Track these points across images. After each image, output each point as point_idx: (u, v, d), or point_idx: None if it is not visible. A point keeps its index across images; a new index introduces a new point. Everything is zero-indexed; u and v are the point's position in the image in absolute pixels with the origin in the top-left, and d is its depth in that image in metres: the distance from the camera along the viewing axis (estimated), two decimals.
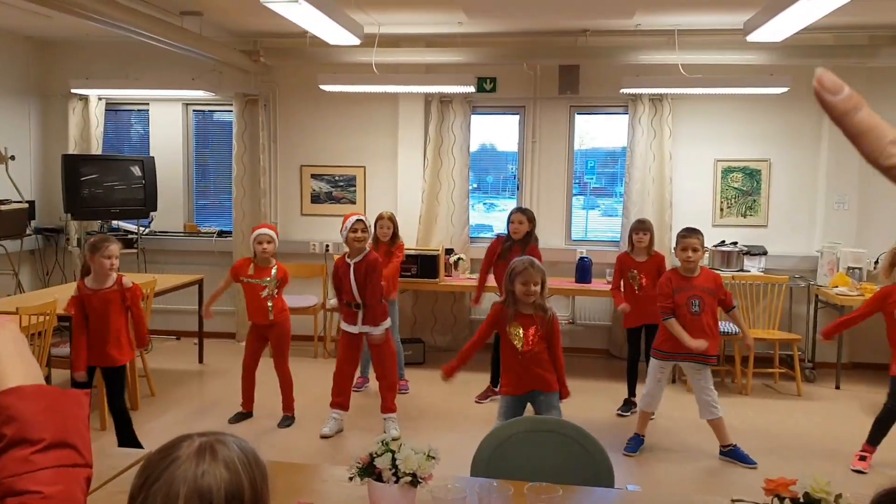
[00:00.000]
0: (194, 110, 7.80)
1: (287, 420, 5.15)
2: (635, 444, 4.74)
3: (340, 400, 4.94)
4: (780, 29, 4.62)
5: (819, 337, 4.98)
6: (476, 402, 5.70)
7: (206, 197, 8.02)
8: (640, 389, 5.54)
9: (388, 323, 4.94)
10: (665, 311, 4.56)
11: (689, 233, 4.55)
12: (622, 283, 5.64)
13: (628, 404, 5.56)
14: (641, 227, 5.57)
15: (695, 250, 4.49)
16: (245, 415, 5.21)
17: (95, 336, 4.24)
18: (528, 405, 3.88)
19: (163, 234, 7.66)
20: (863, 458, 4.51)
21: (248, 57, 6.85)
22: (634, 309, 5.51)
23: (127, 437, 4.34)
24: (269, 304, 5.06)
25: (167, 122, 7.71)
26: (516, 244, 5.59)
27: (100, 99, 7.53)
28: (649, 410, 4.77)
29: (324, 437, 4.86)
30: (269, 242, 5.06)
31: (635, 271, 5.53)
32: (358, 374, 5.72)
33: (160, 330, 7.22)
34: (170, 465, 1.09)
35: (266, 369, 5.24)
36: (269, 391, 5.26)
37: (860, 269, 6.33)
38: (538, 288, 3.68)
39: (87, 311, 4.24)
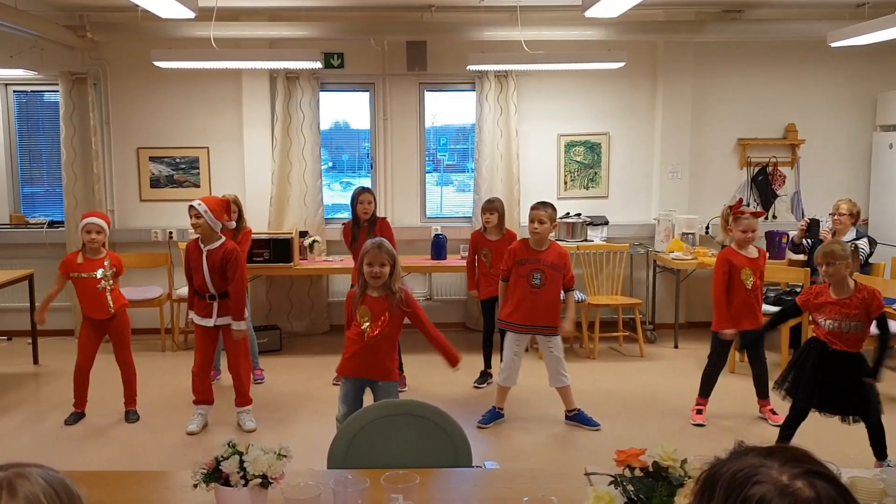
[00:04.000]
0: (15, 91, 7.13)
1: (133, 415, 4.90)
2: (490, 417, 4.81)
3: (203, 396, 4.76)
4: (616, 5, 4.78)
5: (725, 335, 4.83)
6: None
7: (35, 184, 7.38)
8: (497, 361, 5.70)
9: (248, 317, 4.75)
10: (504, 275, 4.74)
11: (539, 205, 4.66)
12: (476, 260, 5.72)
13: (484, 376, 5.68)
14: (490, 206, 5.65)
15: (541, 222, 4.58)
16: (80, 415, 4.89)
17: None
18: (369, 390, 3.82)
19: None
20: (699, 412, 4.84)
21: (74, 32, 6.34)
22: (486, 283, 5.60)
23: None
24: (108, 296, 4.75)
25: None
26: (364, 224, 5.54)
27: None
28: (507, 385, 4.81)
29: (190, 433, 4.66)
30: (98, 232, 4.71)
31: (487, 249, 5.61)
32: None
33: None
34: None
35: (103, 364, 4.93)
36: (108, 388, 4.96)
37: (693, 234, 6.76)
38: (385, 270, 3.60)
39: None
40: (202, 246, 4.60)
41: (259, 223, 6.89)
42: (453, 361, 3.84)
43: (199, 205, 4.52)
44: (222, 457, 1.80)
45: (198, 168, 7.08)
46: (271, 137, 6.92)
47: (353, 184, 7.56)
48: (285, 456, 1.83)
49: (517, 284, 4.66)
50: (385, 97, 7.08)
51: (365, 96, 7.21)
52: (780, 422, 4.32)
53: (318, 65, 6.09)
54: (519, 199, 6.97)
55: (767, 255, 5.21)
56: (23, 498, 0.98)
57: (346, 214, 7.35)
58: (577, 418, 4.79)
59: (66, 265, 4.81)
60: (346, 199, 7.52)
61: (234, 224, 5.10)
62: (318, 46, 6.28)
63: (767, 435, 4.43)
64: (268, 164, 6.94)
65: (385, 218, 5.80)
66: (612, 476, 1.82)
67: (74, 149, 6.81)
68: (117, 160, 7.06)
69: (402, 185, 7.19)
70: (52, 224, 7.06)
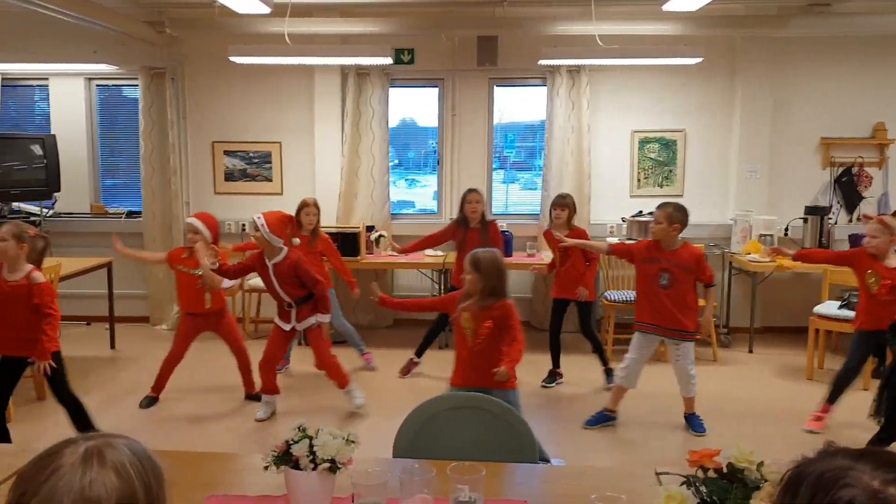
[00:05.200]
0: (98, 85, 7.39)
1: (254, 397, 5.09)
2: (598, 419, 4.68)
3: (269, 386, 4.86)
4: None
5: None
6: (399, 377, 5.65)
7: (114, 176, 7.64)
8: (564, 360, 5.62)
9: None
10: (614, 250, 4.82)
11: (659, 206, 4.56)
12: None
13: (553, 375, 5.59)
14: (560, 202, 5.56)
15: (657, 223, 4.49)
16: (154, 399, 5.07)
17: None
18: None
19: (67, 215, 7.27)
20: (818, 419, 4.63)
21: (153, 28, 6.53)
22: (558, 281, 5.53)
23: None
24: (207, 294, 4.92)
25: (69, 97, 7.29)
26: (472, 227, 5.55)
27: None
28: (625, 386, 4.66)
29: (259, 420, 4.79)
30: (194, 232, 4.81)
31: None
32: (357, 354, 5.78)
33: (68, 316, 6.83)
34: (51, 476, 0.97)
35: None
36: (184, 374, 5.08)
37: (771, 235, 6.53)
38: (472, 277, 3.55)
39: None
40: (267, 261, 4.65)
41: (327, 217, 6.96)
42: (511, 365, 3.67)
43: (258, 218, 4.58)
44: (293, 440, 1.80)
45: (270, 162, 7.21)
46: (341, 133, 6.99)
47: (418, 181, 7.59)
48: (353, 442, 1.82)
49: (644, 283, 4.58)
50: (454, 93, 7.07)
51: (433, 92, 7.20)
52: (818, 428, 4.37)
53: (388, 60, 6.11)
54: (589, 196, 6.86)
55: None
56: (111, 466, 1.00)
57: (411, 210, 7.44)
58: (688, 420, 4.69)
59: (172, 256, 5.06)
60: (411, 196, 7.60)
61: (312, 226, 5.26)
62: (388, 42, 6.30)
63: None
64: (337, 160, 7.01)
65: (495, 221, 5.78)
66: (683, 476, 1.75)
67: (152, 142, 7.02)
68: (193, 153, 7.24)
69: (468, 182, 7.11)
70: (129, 214, 7.30)
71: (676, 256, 4.49)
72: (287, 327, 4.76)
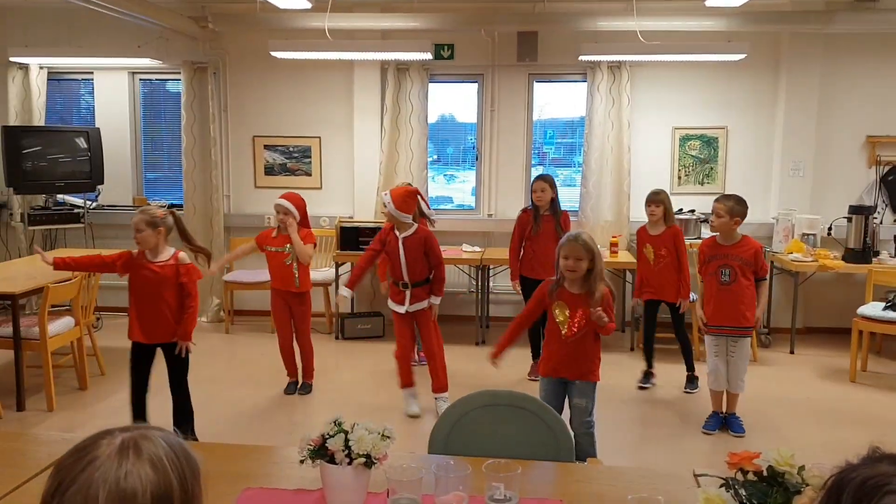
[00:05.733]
0: (141, 79, 7.52)
1: (306, 387, 5.21)
2: (714, 423, 4.60)
3: (408, 380, 4.85)
4: None
5: None
6: (529, 379, 5.55)
7: (156, 169, 7.77)
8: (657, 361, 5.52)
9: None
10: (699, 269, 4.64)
11: (719, 198, 4.52)
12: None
13: (647, 376, 5.49)
14: (655, 198, 5.36)
15: (718, 216, 4.45)
16: (294, 384, 5.26)
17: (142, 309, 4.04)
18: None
19: (111, 207, 7.41)
20: None
21: (196, 23, 6.61)
22: (651, 282, 5.38)
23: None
24: (295, 272, 5.04)
25: (113, 91, 7.43)
26: (544, 214, 5.49)
27: (41, 68, 7.21)
28: (716, 389, 4.58)
29: (412, 416, 4.78)
30: (285, 213, 4.99)
31: (649, 245, 5.37)
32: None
33: (109, 307, 7.00)
34: (87, 467, 0.98)
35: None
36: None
37: (814, 235, 6.40)
38: (583, 264, 3.43)
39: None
40: (398, 233, 4.63)
41: (365, 212, 7.01)
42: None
43: (385, 195, 4.66)
44: (329, 434, 1.81)
45: (310, 157, 7.26)
46: (380, 128, 7.01)
47: (456, 177, 7.58)
48: (389, 437, 1.83)
49: (709, 283, 4.53)
50: (493, 88, 7.04)
51: (473, 88, 7.19)
52: None
53: (428, 56, 6.13)
54: (629, 194, 6.79)
55: None
56: (147, 459, 1.00)
57: (449, 206, 7.44)
58: (728, 421, 4.60)
59: (260, 238, 5.19)
60: (449, 191, 7.59)
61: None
62: (428, 37, 6.31)
63: None
64: (376, 154, 7.03)
65: (566, 212, 5.68)
66: (722, 479, 1.73)
67: (194, 135, 7.12)
68: (234, 147, 7.33)
69: (507, 177, 7.13)
70: (171, 207, 7.39)
71: (737, 250, 4.43)
72: (402, 310, 4.72)
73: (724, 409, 4.60)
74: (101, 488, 0.96)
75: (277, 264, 5.07)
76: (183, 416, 4.15)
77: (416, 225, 4.62)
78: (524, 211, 5.68)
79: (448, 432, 2.38)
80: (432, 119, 7.25)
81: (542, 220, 5.48)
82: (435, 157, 7.50)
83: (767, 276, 4.56)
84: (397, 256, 4.61)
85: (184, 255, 4.03)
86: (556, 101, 7.34)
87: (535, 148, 7.25)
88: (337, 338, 6.63)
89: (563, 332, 3.52)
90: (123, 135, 7.43)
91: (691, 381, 5.35)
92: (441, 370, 4.82)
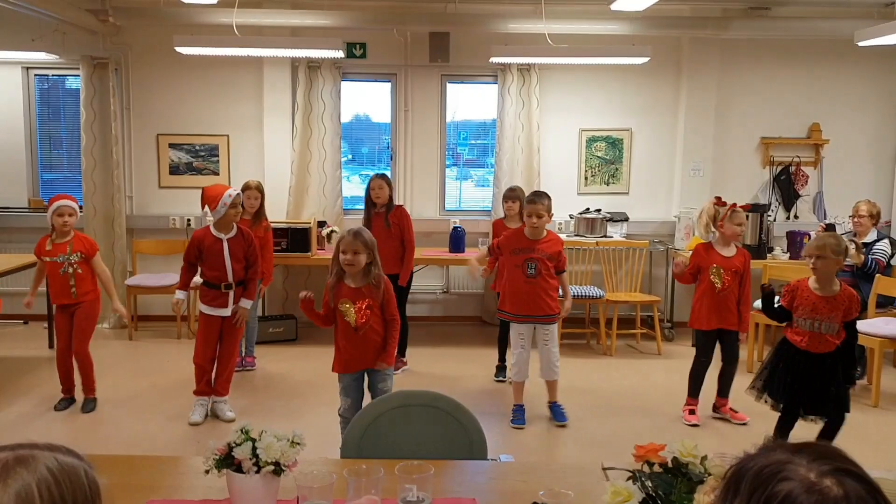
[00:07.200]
0: (37, 74, 7.15)
1: (89, 403, 4.82)
2: (521, 415, 4.70)
3: (204, 386, 4.68)
4: None
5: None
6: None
7: (54, 170, 7.41)
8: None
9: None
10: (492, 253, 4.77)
11: (535, 198, 4.57)
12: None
13: (502, 369, 5.61)
14: (511, 194, 5.62)
15: (539, 216, 4.51)
16: (70, 400, 4.88)
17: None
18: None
19: (4, 210, 7.02)
20: (692, 413, 4.76)
21: (95, 16, 6.34)
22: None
23: None
24: (72, 282, 4.64)
25: (5, 87, 7.02)
26: (381, 210, 5.54)
27: None
28: (520, 380, 4.71)
29: (193, 424, 4.60)
30: (70, 215, 4.66)
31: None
32: (243, 352, 5.58)
33: (5, 315, 6.63)
34: None
35: (115, 349, 4.93)
36: (121, 373, 4.96)
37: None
38: (360, 258, 3.51)
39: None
40: (219, 234, 4.56)
41: (277, 212, 6.88)
42: (386, 361, 3.69)
43: (235, 190, 4.62)
44: (235, 443, 1.76)
45: (217, 156, 7.08)
46: (292, 127, 6.91)
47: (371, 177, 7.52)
48: (298, 443, 1.80)
49: (512, 274, 4.60)
50: (407, 88, 7.04)
51: (386, 87, 7.17)
52: (745, 419, 4.61)
53: (339, 54, 6.06)
54: None
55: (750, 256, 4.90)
56: (14, 492, 0.89)
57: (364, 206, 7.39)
58: (552, 409, 4.76)
59: (37, 248, 4.77)
60: (364, 191, 7.53)
61: (254, 209, 5.16)
62: (340, 35, 6.25)
63: (798, 435, 4.35)
64: (287, 154, 6.92)
65: (402, 206, 5.76)
66: (629, 471, 1.78)
67: (94, 134, 6.82)
68: (137, 146, 7.06)
69: (422, 177, 7.15)
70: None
71: (544, 246, 4.58)
72: (225, 313, 4.58)
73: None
74: None
75: (53, 274, 4.70)
76: None
77: (235, 225, 4.63)
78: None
79: (361, 435, 2.36)
80: (346, 118, 7.19)
81: (377, 216, 5.55)
82: (350, 156, 7.43)
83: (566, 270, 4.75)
84: (221, 258, 4.55)
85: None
86: (469, 102, 7.40)
87: (449, 149, 7.29)
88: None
89: (352, 325, 3.58)
90: (17, 133, 7.05)
91: (501, 371, 5.56)
92: (231, 373, 4.81)
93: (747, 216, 6.59)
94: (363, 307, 3.57)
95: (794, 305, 3.91)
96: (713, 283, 4.65)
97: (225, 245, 4.55)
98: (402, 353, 5.69)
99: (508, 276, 4.64)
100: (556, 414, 4.72)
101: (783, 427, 3.97)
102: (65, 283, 4.65)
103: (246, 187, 5.53)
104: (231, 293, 4.59)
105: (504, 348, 5.62)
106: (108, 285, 4.83)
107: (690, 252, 6.38)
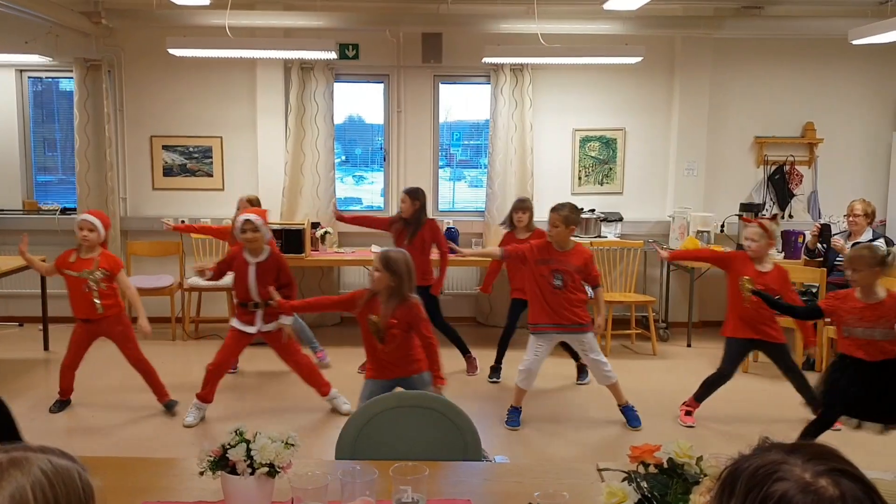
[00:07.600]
0: (30, 77, 7.14)
1: (171, 405, 4.83)
2: (516, 417, 4.69)
3: (206, 393, 4.66)
4: None
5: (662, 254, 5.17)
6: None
7: (49, 172, 7.39)
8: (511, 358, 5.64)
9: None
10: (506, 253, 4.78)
11: (555, 207, 4.53)
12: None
13: (496, 371, 5.61)
14: (521, 205, 5.60)
15: (554, 226, 4.50)
16: (65, 403, 4.86)
17: None
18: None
19: None
20: (688, 413, 4.75)
21: (88, 18, 6.33)
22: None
23: None
24: (96, 297, 4.56)
25: None
26: (405, 224, 5.55)
27: None
28: (524, 388, 4.66)
29: (188, 426, 4.60)
30: (90, 230, 4.56)
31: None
32: (310, 352, 5.56)
33: (0, 317, 6.64)
34: None
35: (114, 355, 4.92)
36: (116, 376, 4.94)
37: (708, 232, 6.68)
38: (382, 277, 3.59)
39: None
40: (249, 258, 4.57)
41: (271, 213, 6.86)
42: (435, 384, 3.78)
43: (257, 219, 4.53)
44: (229, 445, 1.76)
45: (211, 157, 7.07)
46: (285, 128, 6.90)
47: (365, 178, 7.54)
48: (293, 445, 1.80)
49: (538, 284, 4.56)
50: (399, 89, 7.04)
51: (379, 88, 7.17)
52: (691, 423, 4.60)
53: (332, 55, 6.06)
54: (532, 194, 6.91)
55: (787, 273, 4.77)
56: (8, 495, 0.90)
57: (358, 207, 7.40)
58: (625, 412, 4.70)
59: (59, 260, 4.69)
60: (358, 192, 7.55)
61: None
62: (333, 37, 6.23)
63: (793, 436, 4.36)
64: (281, 155, 6.91)
65: (433, 220, 5.76)
66: (625, 472, 1.78)
67: (88, 136, 6.81)
68: (130, 148, 7.05)
69: (415, 178, 7.13)
70: (64, 211, 7.06)
71: (570, 258, 4.55)
72: (252, 330, 4.63)
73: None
74: None
75: (76, 289, 4.60)
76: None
77: (268, 249, 4.65)
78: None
79: (355, 437, 2.36)
80: (339, 119, 7.18)
81: (406, 228, 5.58)
82: (343, 157, 7.43)
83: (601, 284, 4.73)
84: (246, 280, 4.58)
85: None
86: (462, 103, 7.41)
87: (442, 149, 7.29)
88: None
89: (378, 339, 3.68)
90: (11, 135, 7.03)
91: (496, 371, 5.58)
92: (318, 378, 4.84)
93: (740, 216, 6.68)
94: (389, 326, 3.65)
95: (840, 313, 3.80)
96: (741, 294, 4.56)
97: (252, 269, 4.56)
98: (464, 352, 5.77)
99: (536, 286, 4.60)
100: (629, 418, 4.65)
101: (815, 431, 3.89)
102: (88, 299, 4.58)
103: (247, 203, 5.64)
104: (259, 312, 4.61)
105: (503, 350, 5.61)
106: (135, 302, 4.71)
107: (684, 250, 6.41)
